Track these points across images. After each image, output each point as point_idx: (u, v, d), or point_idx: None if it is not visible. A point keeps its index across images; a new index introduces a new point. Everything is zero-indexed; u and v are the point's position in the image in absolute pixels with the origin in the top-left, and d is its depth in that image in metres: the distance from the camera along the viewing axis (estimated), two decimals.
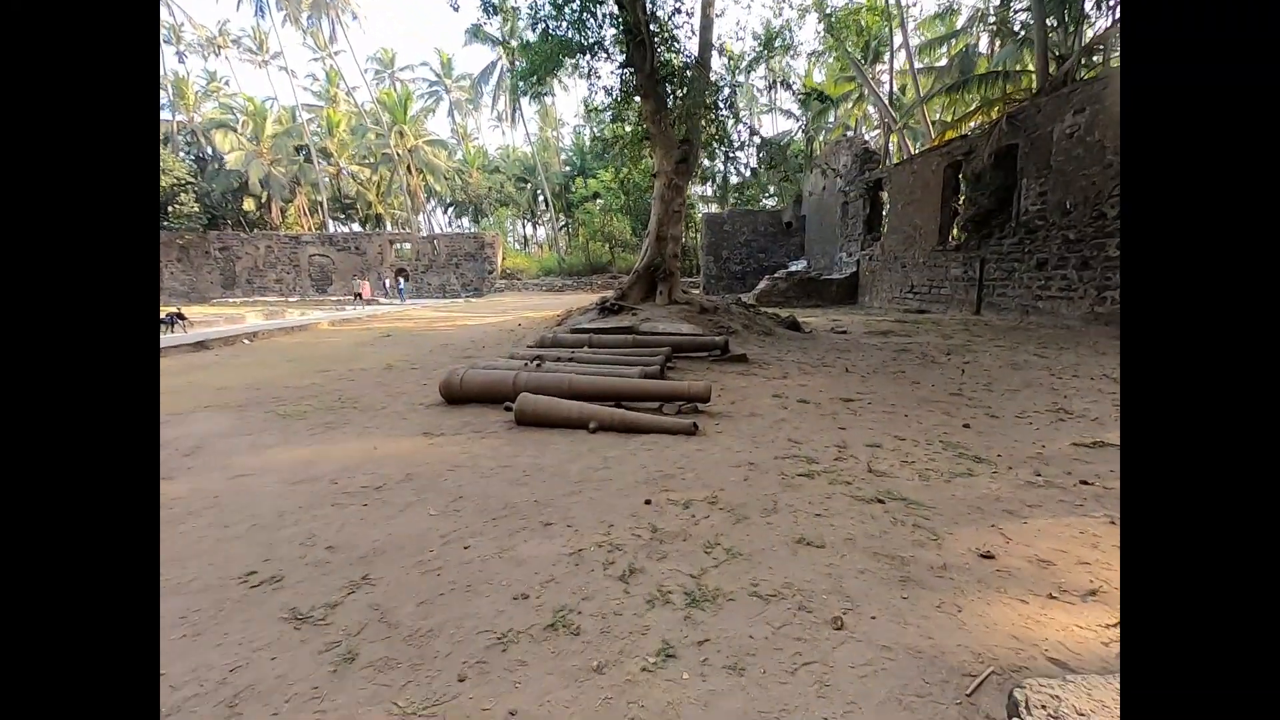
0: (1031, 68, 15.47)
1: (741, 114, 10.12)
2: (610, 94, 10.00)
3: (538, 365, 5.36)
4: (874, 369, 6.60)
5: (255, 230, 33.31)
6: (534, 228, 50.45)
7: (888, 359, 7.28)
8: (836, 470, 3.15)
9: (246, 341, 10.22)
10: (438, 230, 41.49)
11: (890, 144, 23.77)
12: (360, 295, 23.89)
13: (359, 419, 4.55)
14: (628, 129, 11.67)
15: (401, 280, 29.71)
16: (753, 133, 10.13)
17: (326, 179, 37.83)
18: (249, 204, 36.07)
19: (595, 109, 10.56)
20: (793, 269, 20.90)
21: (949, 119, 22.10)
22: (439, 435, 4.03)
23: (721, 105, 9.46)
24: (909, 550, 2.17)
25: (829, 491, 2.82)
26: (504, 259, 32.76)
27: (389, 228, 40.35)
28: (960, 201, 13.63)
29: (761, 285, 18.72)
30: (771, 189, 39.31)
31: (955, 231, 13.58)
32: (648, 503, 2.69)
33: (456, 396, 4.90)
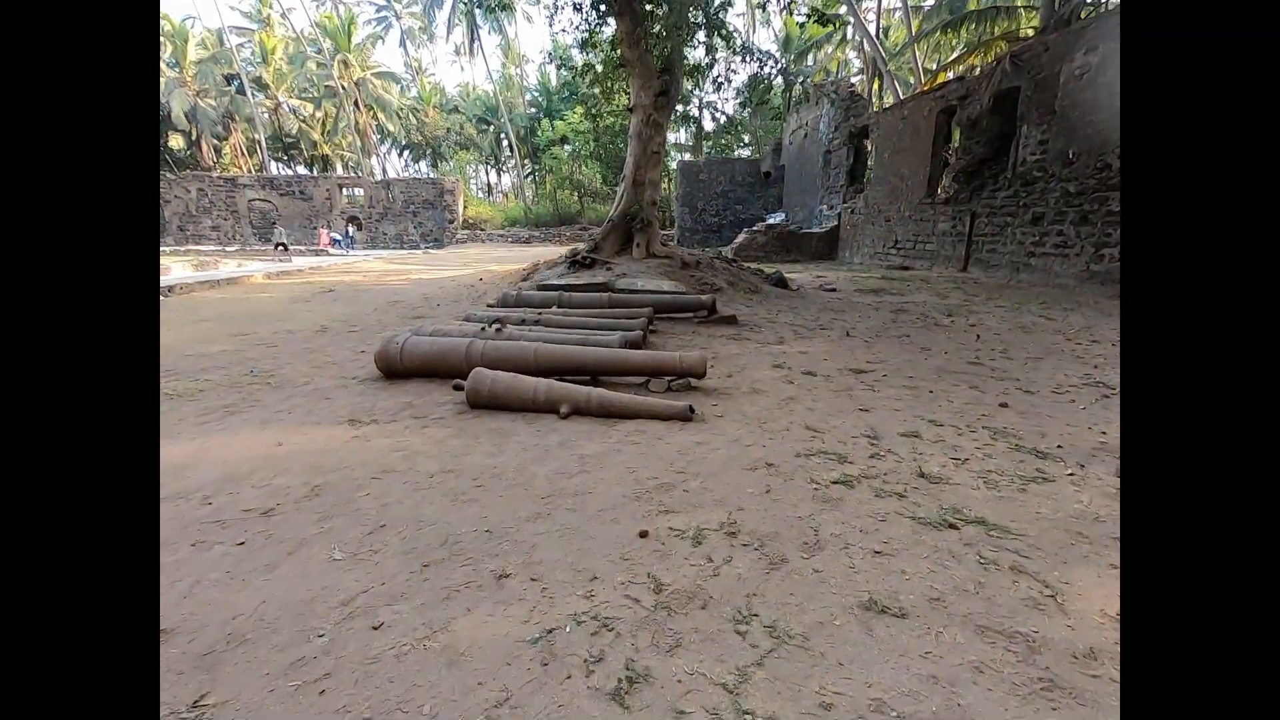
0: (1030, 1, 14.54)
1: (732, 35, 8.95)
2: (580, 10, 8.67)
3: (498, 330, 4.49)
4: (875, 333, 5.97)
5: (185, 171, 30.11)
6: (498, 174, 47.66)
7: (886, 321, 6.66)
8: (878, 474, 2.48)
9: (162, 297, 8.89)
10: (393, 175, 38.60)
11: (874, 91, 22.67)
12: (284, 246, 20.88)
13: (270, 400, 3.64)
14: (598, 61, 10.35)
15: (352, 229, 27.54)
16: (746, 51, 8.97)
17: (264, 114, 34.33)
18: (176, 140, 32.54)
19: (561, 33, 9.20)
20: (771, 222, 20.05)
21: (934, 65, 21.11)
22: (368, 423, 3.18)
23: (707, 22, 8.27)
24: (1026, 618, 1.51)
25: (880, 510, 2.14)
26: (466, 208, 30.72)
27: (340, 171, 37.26)
28: (952, 151, 12.91)
29: (740, 239, 17.86)
30: (746, 138, 37.74)
31: (945, 183, 12.91)
32: (643, 535, 1.96)
33: (396, 370, 4.01)
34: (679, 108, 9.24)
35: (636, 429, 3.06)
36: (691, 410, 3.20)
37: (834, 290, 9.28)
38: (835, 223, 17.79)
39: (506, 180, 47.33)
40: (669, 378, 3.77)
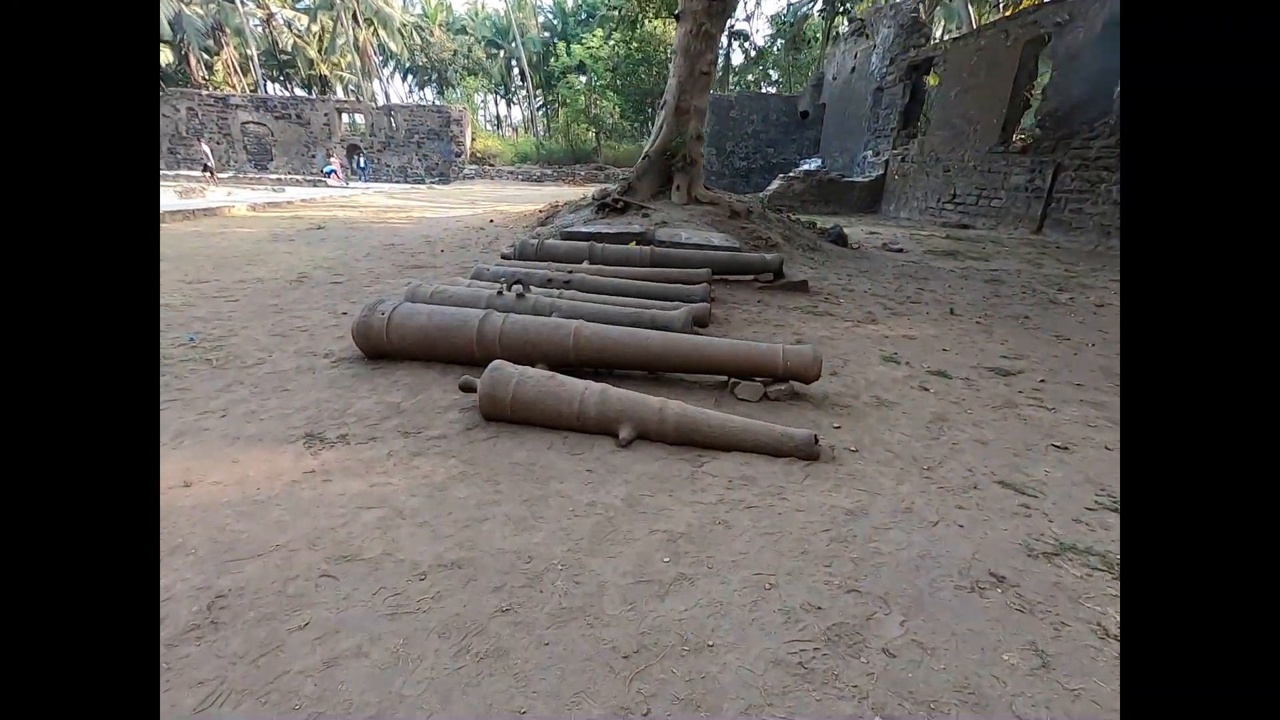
0: None
1: None
2: None
3: (519, 296, 3.36)
4: (982, 310, 4.79)
5: (174, 89, 27.95)
6: (507, 106, 44.71)
7: (985, 294, 5.45)
8: None
9: None
10: (395, 101, 36.05)
11: (931, 22, 20.20)
12: (209, 170, 17.87)
13: (202, 389, 2.58)
14: None
15: (362, 159, 25.72)
16: None
17: (256, 25, 31.62)
18: (163, 54, 30.10)
19: None
20: (807, 167, 18.26)
21: None
22: (333, 443, 2.13)
23: None
24: None
25: None
26: (474, 140, 28.64)
27: (339, 95, 34.75)
28: (1036, 90, 11.16)
29: (774, 185, 16.21)
30: (774, 74, 34.65)
31: (1025, 128, 11.24)
32: None
33: (382, 350, 2.92)
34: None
35: (739, 473, 2.00)
36: (817, 442, 2.12)
37: (900, 250, 7.98)
38: (881, 171, 16.07)
39: (517, 113, 44.46)
40: (762, 379, 2.67)
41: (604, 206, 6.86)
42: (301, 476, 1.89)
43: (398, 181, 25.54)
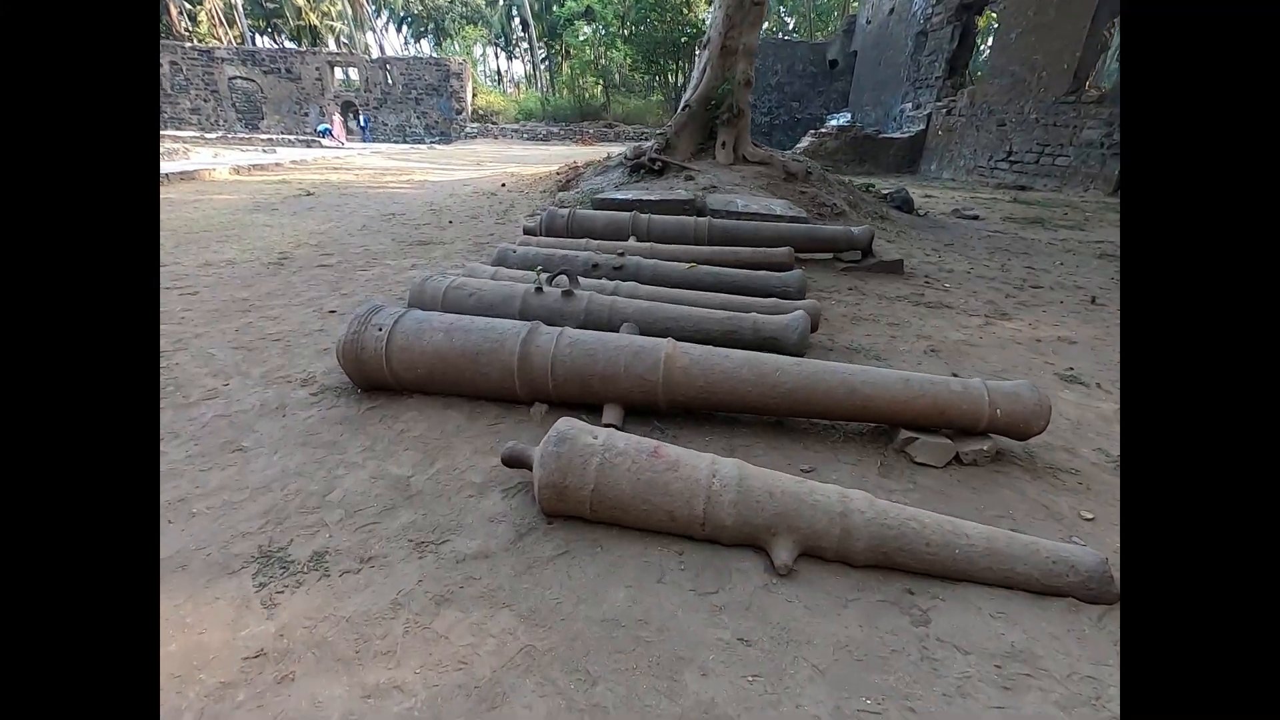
0: None
1: None
2: None
3: (566, 293, 2.46)
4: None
5: None
6: (508, 59, 42.27)
7: (1110, 273, 4.49)
8: None
9: None
10: (391, 54, 33.96)
11: None
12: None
13: None
14: None
15: (362, 117, 24.22)
16: None
17: None
18: None
19: None
20: (838, 122, 16.81)
21: None
22: (302, 577, 1.28)
23: None
24: None
25: None
26: (475, 96, 26.94)
27: (331, 46, 32.71)
28: (1118, 28, 9.78)
29: (804, 142, 14.89)
30: (791, 22, 32.23)
31: (1103, 73, 9.91)
32: None
33: (380, 381, 2.04)
34: None
35: (999, 643, 1.15)
36: (1113, 582, 1.26)
37: (976, 218, 6.93)
38: (922, 126, 14.69)
39: (518, 68, 42.09)
40: (948, 432, 1.78)
41: (639, 167, 5.83)
42: (239, 671, 1.05)
43: (396, 141, 24.09)
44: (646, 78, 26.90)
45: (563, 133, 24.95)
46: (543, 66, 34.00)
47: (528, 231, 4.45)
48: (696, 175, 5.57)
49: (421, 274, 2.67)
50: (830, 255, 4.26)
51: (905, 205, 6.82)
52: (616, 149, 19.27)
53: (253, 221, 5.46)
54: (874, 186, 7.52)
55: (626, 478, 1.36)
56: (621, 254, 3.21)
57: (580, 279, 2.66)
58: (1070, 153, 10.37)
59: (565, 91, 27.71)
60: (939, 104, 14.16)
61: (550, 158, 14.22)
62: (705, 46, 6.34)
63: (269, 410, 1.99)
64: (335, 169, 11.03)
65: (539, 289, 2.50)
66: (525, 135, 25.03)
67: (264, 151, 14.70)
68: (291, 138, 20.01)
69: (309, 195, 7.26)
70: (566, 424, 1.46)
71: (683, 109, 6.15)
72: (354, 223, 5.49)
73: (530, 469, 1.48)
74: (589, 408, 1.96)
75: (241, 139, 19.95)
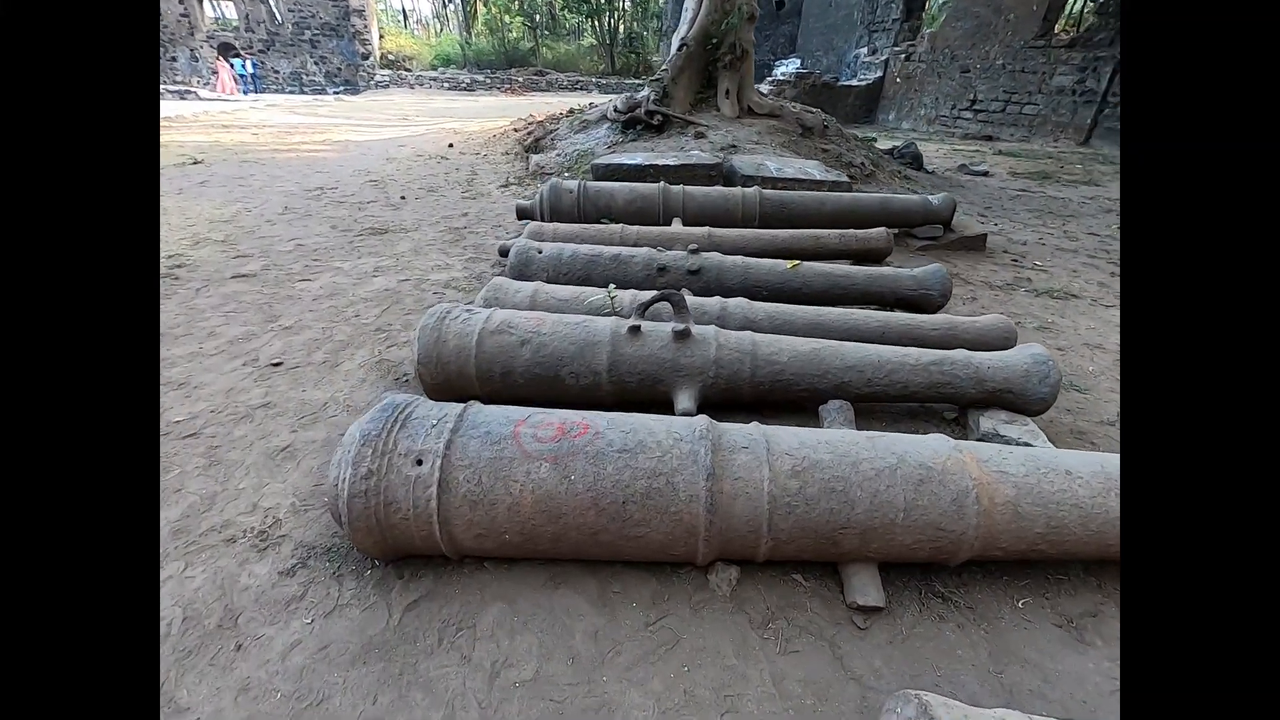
0: None
1: None
2: None
3: (681, 334, 1.57)
4: None
5: None
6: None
7: None
8: None
9: None
10: None
11: None
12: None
13: None
14: None
15: (247, 63, 20.53)
16: None
17: None
18: None
19: None
20: (787, 69, 15.96)
21: None
22: None
23: None
24: None
25: None
26: (383, 39, 23.68)
27: None
28: None
29: (762, 90, 13.96)
30: None
31: (1077, 14, 9.63)
32: None
33: (424, 550, 1.10)
34: None
35: None
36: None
37: (986, 174, 6.44)
38: (879, 73, 14.15)
39: (425, 6, 37.69)
40: None
41: (633, 122, 4.78)
42: None
43: (292, 91, 20.82)
44: (577, 19, 24.69)
45: (489, 82, 22.53)
46: (453, 4, 30.46)
47: (523, 214, 3.40)
48: (707, 131, 4.62)
49: (436, 309, 1.67)
50: (898, 230, 3.53)
51: (916, 161, 6.20)
52: (552, 100, 17.64)
53: None
54: (873, 140, 6.84)
55: None
56: (695, 249, 2.31)
57: (684, 304, 1.75)
58: (1039, 100, 10.15)
59: (487, 34, 24.95)
60: (897, 49, 13.62)
61: (484, 110, 12.55)
62: None
63: (200, 625, 1.02)
64: (225, 127, 8.99)
65: (634, 329, 1.59)
66: (446, 84, 22.41)
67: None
68: (164, 86, 16.67)
69: (196, 164, 5.62)
70: None
71: (679, 49, 5.09)
72: (270, 203, 4.14)
73: None
74: (810, 564, 1.14)
75: None
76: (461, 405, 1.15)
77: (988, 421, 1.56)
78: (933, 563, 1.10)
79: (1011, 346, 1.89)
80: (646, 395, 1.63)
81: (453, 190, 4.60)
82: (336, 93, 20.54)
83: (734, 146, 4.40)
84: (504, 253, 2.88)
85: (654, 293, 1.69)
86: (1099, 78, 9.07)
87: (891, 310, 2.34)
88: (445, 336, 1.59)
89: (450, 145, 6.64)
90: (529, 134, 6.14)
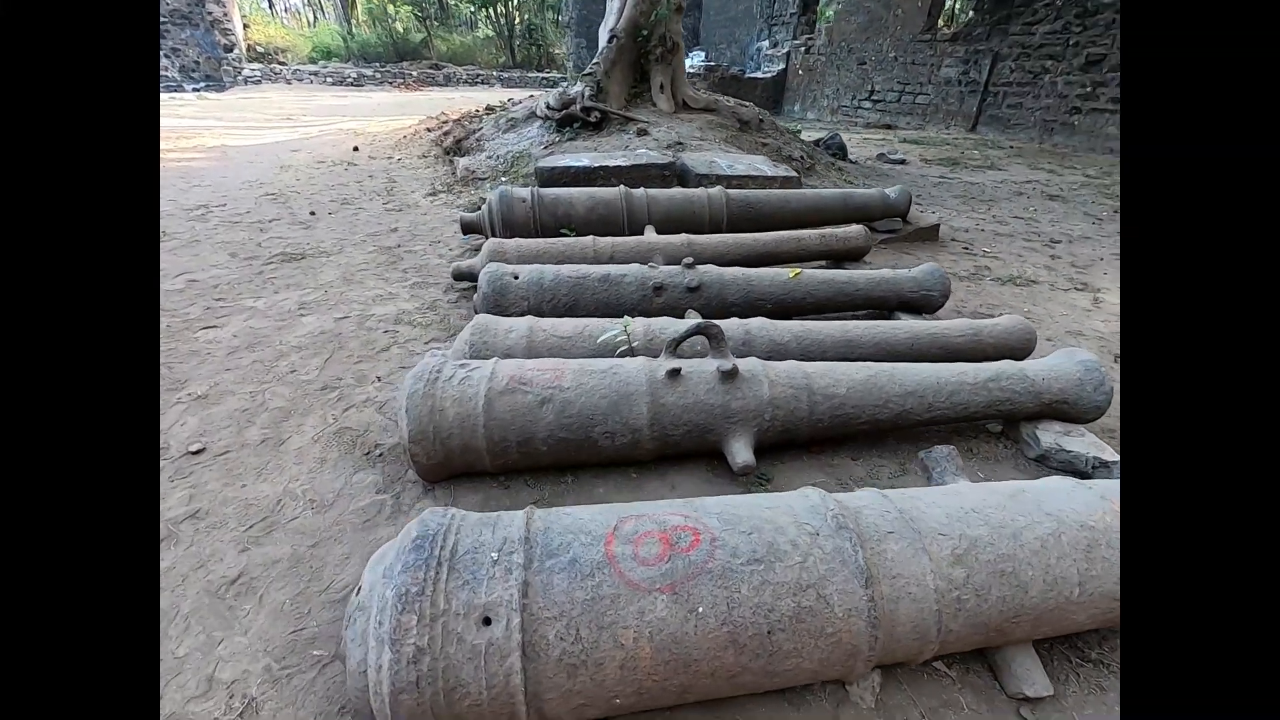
0: None
1: None
2: None
3: (728, 374, 1.35)
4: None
5: None
6: None
7: (1088, 220, 4.43)
8: None
9: None
10: None
11: None
12: None
13: None
14: None
15: None
16: None
17: None
18: None
19: None
20: (698, 61, 16.10)
21: None
22: None
23: None
24: None
25: None
26: (248, 28, 21.16)
27: None
28: None
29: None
30: None
31: (954, 11, 10.39)
32: None
33: None
34: None
35: None
36: None
37: (902, 162, 6.75)
38: (782, 65, 14.61)
39: None
40: None
41: (569, 120, 4.46)
42: None
43: None
44: (469, 9, 23.49)
45: (379, 76, 20.87)
46: None
47: (469, 228, 3.03)
48: (649, 128, 4.40)
49: (421, 368, 1.33)
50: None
51: (841, 152, 6.36)
52: (454, 95, 16.67)
53: None
54: (798, 132, 6.95)
55: None
56: (690, 263, 2.09)
57: (713, 333, 1.52)
58: (930, 90, 10.89)
59: (371, 25, 23.09)
60: (796, 42, 14.11)
61: (380, 108, 11.54)
62: None
63: None
64: None
65: (673, 372, 1.35)
66: (329, 79, 20.49)
67: None
68: None
69: None
70: None
71: (609, 41, 4.81)
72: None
73: None
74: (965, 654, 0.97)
75: None
76: (522, 517, 0.85)
77: (1047, 436, 1.48)
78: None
79: (1032, 346, 1.86)
80: (692, 447, 1.39)
81: (371, 201, 4.06)
82: (197, 89, 18.11)
83: (680, 143, 4.22)
84: (460, 276, 2.52)
85: (688, 324, 1.46)
86: (981, 69, 9.86)
87: (893, 313, 2.27)
88: (442, 404, 1.26)
89: (355, 149, 5.93)
90: (445, 134, 5.61)
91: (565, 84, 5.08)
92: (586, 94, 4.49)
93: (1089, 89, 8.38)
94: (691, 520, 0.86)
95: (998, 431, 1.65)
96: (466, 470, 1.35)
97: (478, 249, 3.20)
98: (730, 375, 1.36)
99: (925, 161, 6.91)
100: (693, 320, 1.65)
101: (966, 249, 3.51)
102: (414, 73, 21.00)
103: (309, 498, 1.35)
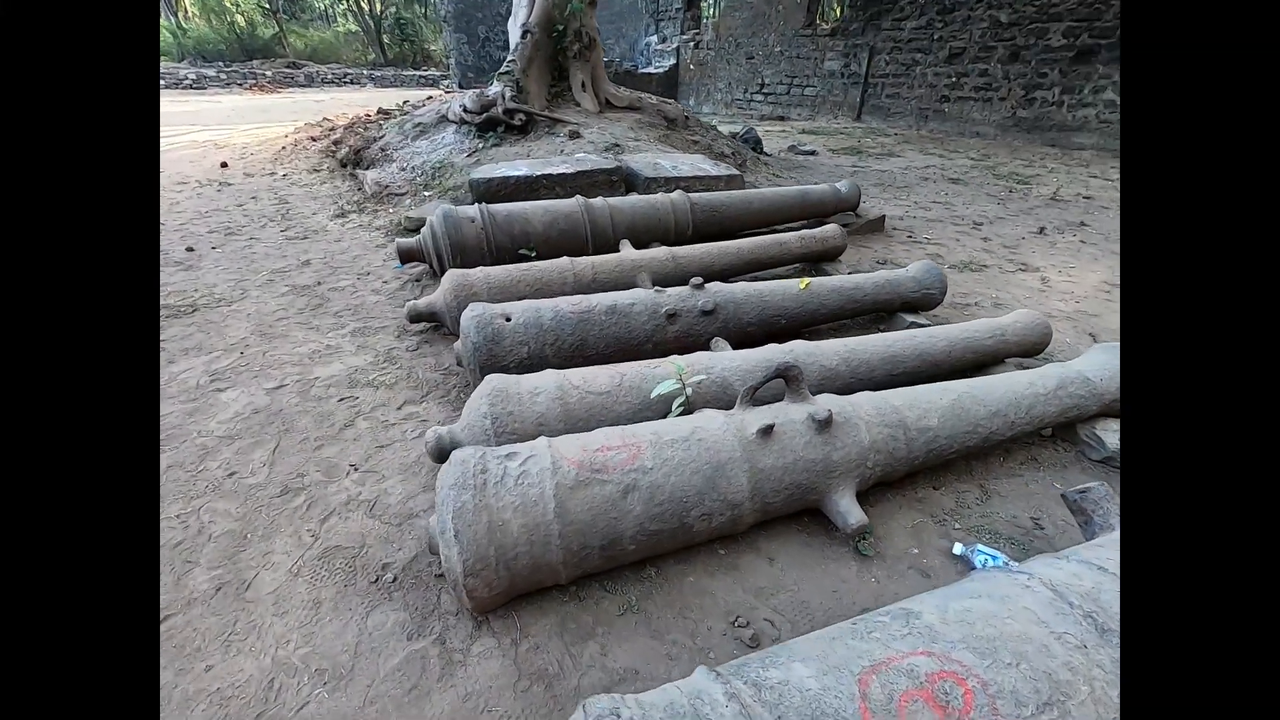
0: None
1: None
2: None
3: (824, 421, 1.16)
4: (1044, 223, 4.07)
5: None
6: None
7: (987, 201, 4.81)
8: None
9: None
10: None
11: None
12: None
13: None
14: None
15: None
16: None
17: None
18: None
19: None
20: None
21: None
22: None
23: None
24: None
25: None
26: None
27: None
28: None
29: None
30: None
31: (835, 8, 11.00)
32: None
33: None
34: None
35: None
36: None
37: (813, 153, 6.99)
38: (674, 60, 14.75)
39: None
40: None
41: (491, 123, 4.05)
42: None
43: None
44: (327, 1, 21.43)
45: (224, 77, 18.38)
46: None
47: (409, 256, 2.60)
48: (581, 130, 4.11)
49: (457, 470, 1.01)
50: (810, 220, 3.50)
51: (758, 146, 6.45)
52: (321, 97, 15.13)
53: None
54: (714, 127, 6.97)
55: None
56: (700, 283, 1.88)
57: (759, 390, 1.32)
58: (816, 83, 11.48)
59: (206, 19, 20.30)
60: (685, 37, 14.29)
61: (235, 114, 10.12)
62: None
63: None
64: None
65: (766, 430, 1.15)
66: (165, 80, 17.70)
67: None
68: None
69: None
70: None
71: (523, 37, 4.43)
72: None
73: None
74: None
75: None
76: (722, 695, 0.61)
77: (1111, 437, 1.46)
78: None
79: (1049, 337, 1.87)
80: (787, 512, 1.20)
81: (265, 229, 3.41)
82: None
83: (617, 145, 3.98)
84: (417, 317, 2.12)
85: (750, 361, 1.26)
86: (860, 62, 10.54)
87: (894, 314, 2.22)
88: (501, 515, 0.96)
89: (223, 164, 5.02)
90: (337, 143, 4.92)
91: (448, 82, 4.62)
92: (507, 95, 4.10)
93: (954, 79, 9.22)
94: (940, 658, 0.66)
95: (1048, 434, 1.62)
96: (527, 591, 1.06)
97: (418, 279, 2.77)
98: (826, 424, 1.17)
99: (832, 151, 7.22)
100: (767, 357, 1.45)
101: (910, 236, 3.62)
102: (268, 73, 18.75)
103: (314, 668, 0.98)
